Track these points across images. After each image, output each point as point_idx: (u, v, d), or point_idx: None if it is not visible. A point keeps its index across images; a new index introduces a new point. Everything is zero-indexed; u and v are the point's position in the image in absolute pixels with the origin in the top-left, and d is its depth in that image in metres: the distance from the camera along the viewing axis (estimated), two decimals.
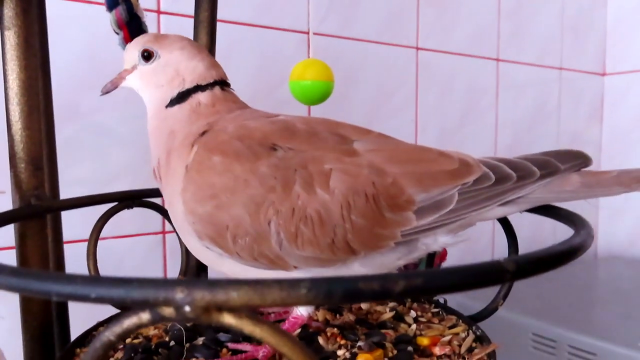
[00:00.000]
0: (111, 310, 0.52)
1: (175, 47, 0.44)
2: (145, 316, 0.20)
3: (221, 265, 0.41)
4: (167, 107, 0.43)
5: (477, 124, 1.26)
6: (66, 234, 0.55)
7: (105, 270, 0.54)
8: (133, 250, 0.82)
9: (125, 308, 0.21)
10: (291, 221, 0.37)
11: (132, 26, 0.49)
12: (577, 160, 0.42)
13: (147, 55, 0.43)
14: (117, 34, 0.50)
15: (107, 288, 0.20)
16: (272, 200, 0.37)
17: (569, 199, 0.41)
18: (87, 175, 0.77)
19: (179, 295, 0.19)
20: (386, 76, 1.10)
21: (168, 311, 0.20)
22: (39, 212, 0.45)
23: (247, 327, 0.20)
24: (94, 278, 0.20)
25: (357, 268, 0.40)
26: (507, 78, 1.30)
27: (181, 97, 0.43)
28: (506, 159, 0.42)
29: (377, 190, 0.38)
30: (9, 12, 0.44)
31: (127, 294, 0.20)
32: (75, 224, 0.59)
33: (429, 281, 0.20)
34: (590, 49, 1.49)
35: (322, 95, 0.59)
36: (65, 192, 0.55)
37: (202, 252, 0.41)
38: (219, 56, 0.59)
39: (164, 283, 0.20)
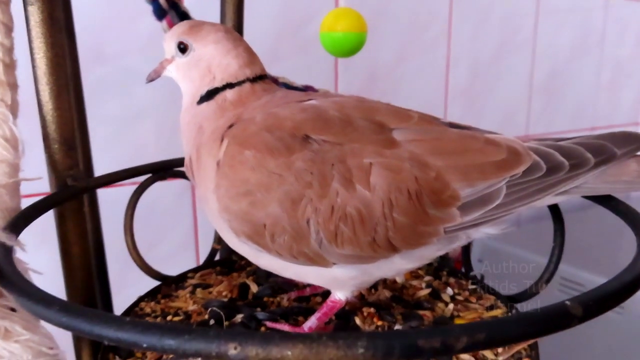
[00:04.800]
0: (152, 283, 0.53)
1: (210, 40, 0.41)
2: None
3: (259, 259, 0.40)
4: (197, 103, 0.42)
5: (512, 58, 1.21)
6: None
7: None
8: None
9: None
10: (330, 220, 0.36)
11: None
12: (635, 143, 0.39)
13: (183, 48, 0.42)
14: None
15: (159, 338, 0.20)
16: (310, 198, 0.36)
17: (625, 190, 0.39)
18: (114, 113, 0.78)
19: (232, 351, 0.19)
20: (418, 9, 1.04)
21: None
22: (75, 193, 0.45)
23: None
24: (148, 325, 0.20)
25: (397, 261, 0.40)
26: (548, 6, 1.22)
27: (210, 94, 0.42)
28: (557, 145, 0.39)
29: (419, 186, 0.36)
30: None
31: (179, 345, 0.19)
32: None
33: (493, 334, 0.19)
34: None
35: (354, 48, 0.55)
36: (95, 131, 0.56)
37: (240, 247, 0.40)
38: None
39: (217, 337, 0.19)
